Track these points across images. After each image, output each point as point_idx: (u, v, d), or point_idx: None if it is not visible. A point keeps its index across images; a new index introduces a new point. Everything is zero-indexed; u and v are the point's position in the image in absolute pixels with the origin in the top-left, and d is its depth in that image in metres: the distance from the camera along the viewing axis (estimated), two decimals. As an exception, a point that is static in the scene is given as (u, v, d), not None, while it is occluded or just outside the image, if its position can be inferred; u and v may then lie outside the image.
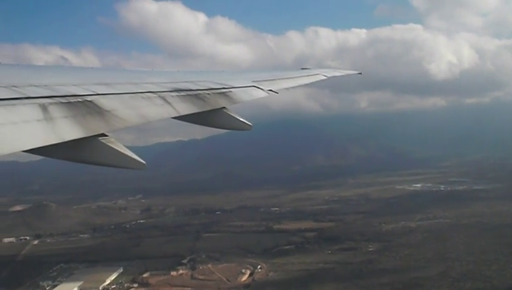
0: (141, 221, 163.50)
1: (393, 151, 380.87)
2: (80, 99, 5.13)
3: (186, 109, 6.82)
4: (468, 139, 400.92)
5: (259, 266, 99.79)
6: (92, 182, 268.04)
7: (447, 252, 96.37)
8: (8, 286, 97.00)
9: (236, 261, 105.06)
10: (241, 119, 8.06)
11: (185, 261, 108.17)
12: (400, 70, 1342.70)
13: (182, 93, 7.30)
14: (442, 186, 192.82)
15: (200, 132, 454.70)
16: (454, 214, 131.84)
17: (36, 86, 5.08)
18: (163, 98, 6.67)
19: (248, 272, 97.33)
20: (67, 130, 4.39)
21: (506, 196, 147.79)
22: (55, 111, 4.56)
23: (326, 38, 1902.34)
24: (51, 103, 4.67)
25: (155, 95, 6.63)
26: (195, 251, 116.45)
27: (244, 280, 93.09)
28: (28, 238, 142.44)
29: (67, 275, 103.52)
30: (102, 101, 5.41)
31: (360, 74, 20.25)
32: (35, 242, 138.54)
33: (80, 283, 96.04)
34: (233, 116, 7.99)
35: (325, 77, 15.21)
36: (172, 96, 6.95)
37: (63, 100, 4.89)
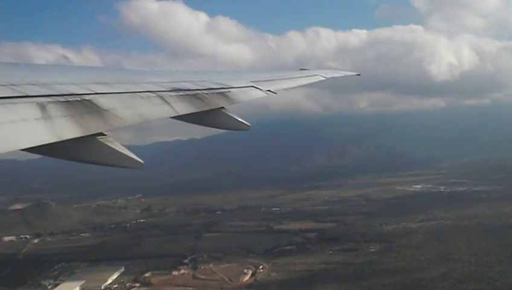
0: (141, 220, 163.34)
1: (392, 152, 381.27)
2: (78, 98, 5.13)
3: (184, 108, 6.83)
4: (468, 140, 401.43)
5: (261, 266, 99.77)
6: (90, 180, 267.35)
7: (448, 254, 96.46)
8: (10, 285, 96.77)
9: (238, 261, 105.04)
10: (239, 119, 8.05)
11: (186, 261, 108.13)
12: (400, 71, 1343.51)
13: (181, 93, 7.32)
14: (442, 187, 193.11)
15: (199, 132, 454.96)
16: (455, 215, 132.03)
17: (35, 84, 5.08)
18: (162, 98, 6.68)
19: (250, 272, 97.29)
20: (65, 129, 4.40)
21: (507, 198, 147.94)
22: (54, 110, 4.57)
23: (326, 38, 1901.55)
24: (49, 102, 4.67)
25: (154, 95, 6.64)
26: (196, 250, 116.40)
27: (246, 280, 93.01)
28: (28, 237, 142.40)
29: (69, 274, 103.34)
30: (101, 100, 5.41)
31: (359, 75, 20.30)
32: (36, 241, 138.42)
33: (81, 282, 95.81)
34: (231, 116, 7.98)
35: (323, 78, 15.24)
36: (171, 96, 6.95)
37: (62, 99, 4.89)
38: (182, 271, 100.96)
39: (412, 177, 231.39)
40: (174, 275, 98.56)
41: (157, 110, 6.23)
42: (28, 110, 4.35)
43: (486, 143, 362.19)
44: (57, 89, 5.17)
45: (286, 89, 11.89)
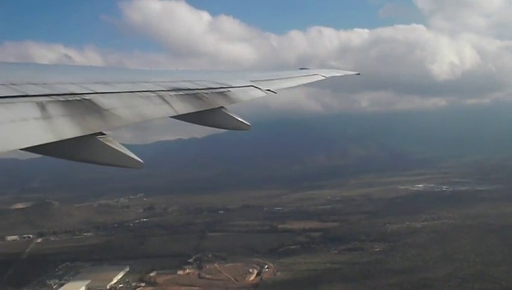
0: (144, 219, 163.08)
1: (393, 151, 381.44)
2: (78, 98, 5.14)
3: (184, 108, 6.83)
4: (469, 139, 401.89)
5: (266, 266, 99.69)
6: (91, 180, 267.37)
7: (454, 253, 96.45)
8: (15, 285, 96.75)
9: (243, 261, 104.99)
10: (239, 118, 8.04)
11: (191, 260, 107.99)
12: (402, 71, 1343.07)
13: (181, 93, 7.32)
14: (445, 186, 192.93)
15: (200, 131, 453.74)
16: (459, 214, 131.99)
17: (34, 84, 5.08)
18: (162, 97, 6.67)
19: (255, 271, 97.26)
20: (65, 128, 4.40)
21: (510, 197, 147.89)
22: (54, 109, 4.57)
23: (328, 38, 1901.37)
24: (49, 101, 4.67)
25: (154, 94, 6.65)
26: (200, 250, 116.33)
27: (252, 280, 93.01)
28: (31, 236, 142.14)
29: (74, 274, 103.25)
30: (101, 100, 5.41)
31: (359, 74, 20.29)
32: (39, 240, 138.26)
33: (87, 282, 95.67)
34: (231, 116, 7.98)
35: (323, 77, 15.23)
36: (170, 95, 6.95)
37: (62, 99, 4.89)
38: (187, 271, 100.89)
39: (414, 176, 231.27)
40: (179, 275, 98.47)
41: (157, 110, 6.25)
42: (27, 109, 4.35)
43: (487, 142, 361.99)
44: (56, 88, 5.18)
45: (286, 89, 11.91)
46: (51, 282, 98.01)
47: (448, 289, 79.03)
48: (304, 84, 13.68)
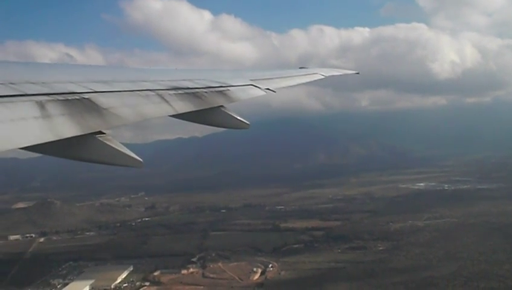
0: (146, 219, 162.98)
1: (394, 150, 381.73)
2: (77, 97, 5.14)
3: (183, 107, 6.83)
4: (468, 138, 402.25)
5: (270, 265, 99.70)
6: (92, 179, 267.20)
7: (457, 252, 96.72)
8: (18, 284, 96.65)
9: (247, 260, 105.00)
10: (238, 117, 8.04)
11: (194, 259, 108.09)
12: (403, 69, 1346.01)
13: (180, 92, 7.32)
14: (446, 185, 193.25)
15: (200, 130, 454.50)
16: (461, 213, 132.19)
17: (34, 83, 5.09)
18: (161, 96, 6.67)
19: (259, 270, 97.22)
20: (64, 127, 4.41)
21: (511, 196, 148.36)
22: (53, 108, 4.57)
23: (329, 36, 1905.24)
24: (48, 101, 4.67)
25: (153, 93, 6.65)
26: (203, 249, 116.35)
27: (257, 279, 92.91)
28: (33, 235, 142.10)
29: (77, 273, 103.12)
30: (100, 99, 5.42)
31: (358, 73, 20.32)
32: (41, 240, 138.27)
33: (91, 281, 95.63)
34: (230, 115, 7.98)
35: (322, 76, 15.23)
36: (170, 94, 6.95)
37: (61, 98, 4.90)
38: (191, 270, 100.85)
39: (415, 175, 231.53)
40: (183, 274, 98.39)
41: (156, 109, 6.25)
42: (27, 108, 4.35)
43: (487, 141, 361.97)
44: (55, 87, 5.18)
45: (285, 88, 11.94)
46: (55, 282, 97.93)
47: (453, 288, 79.25)
48: (303, 84, 13.72)
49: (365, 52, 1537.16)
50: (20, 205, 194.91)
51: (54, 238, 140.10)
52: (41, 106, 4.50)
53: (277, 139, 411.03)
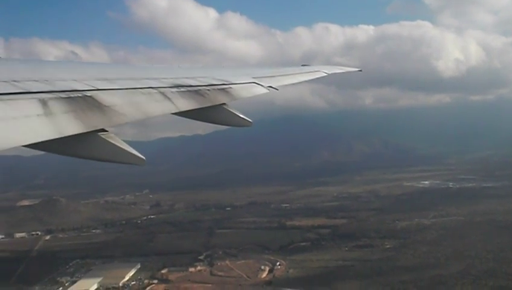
0: (152, 216, 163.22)
1: (397, 147, 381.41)
2: (79, 95, 5.14)
3: (186, 104, 6.80)
4: (472, 136, 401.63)
5: (278, 263, 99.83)
6: (95, 176, 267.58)
7: (465, 250, 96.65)
8: (26, 282, 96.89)
9: (254, 258, 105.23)
10: (240, 115, 8.01)
11: (201, 257, 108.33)
12: (407, 67, 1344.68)
13: (182, 89, 7.28)
14: (451, 183, 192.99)
15: (203, 127, 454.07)
16: (467, 211, 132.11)
17: (36, 80, 5.09)
18: (163, 94, 6.65)
19: (267, 268, 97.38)
20: (67, 125, 4.41)
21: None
22: (55, 106, 4.57)
23: (334, 34, 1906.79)
24: (51, 98, 4.67)
25: (155, 91, 6.63)
26: (210, 247, 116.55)
27: (265, 277, 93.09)
28: (39, 233, 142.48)
29: (85, 271, 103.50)
30: (102, 97, 5.41)
31: (361, 70, 20.25)
32: (47, 237, 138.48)
33: (99, 279, 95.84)
34: (233, 113, 7.94)
35: (325, 74, 15.11)
36: (172, 92, 6.92)
37: (63, 95, 4.89)
38: (199, 268, 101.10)
39: (419, 173, 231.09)
40: (191, 272, 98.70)
41: (158, 107, 6.25)
42: (29, 106, 4.35)
43: (490, 139, 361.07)
44: (58, 85, 5.18)
45: (288, 85, 11.90)
46: (63, 279, 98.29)
47: (462, 286, 79.25)
48: (306, 81, 13.63)
49: (370, 50, 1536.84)
50: (25, 202, 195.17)
51: (60, 235, 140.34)
52: (44, 103, 4.50)
53: (280, 137, 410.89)
